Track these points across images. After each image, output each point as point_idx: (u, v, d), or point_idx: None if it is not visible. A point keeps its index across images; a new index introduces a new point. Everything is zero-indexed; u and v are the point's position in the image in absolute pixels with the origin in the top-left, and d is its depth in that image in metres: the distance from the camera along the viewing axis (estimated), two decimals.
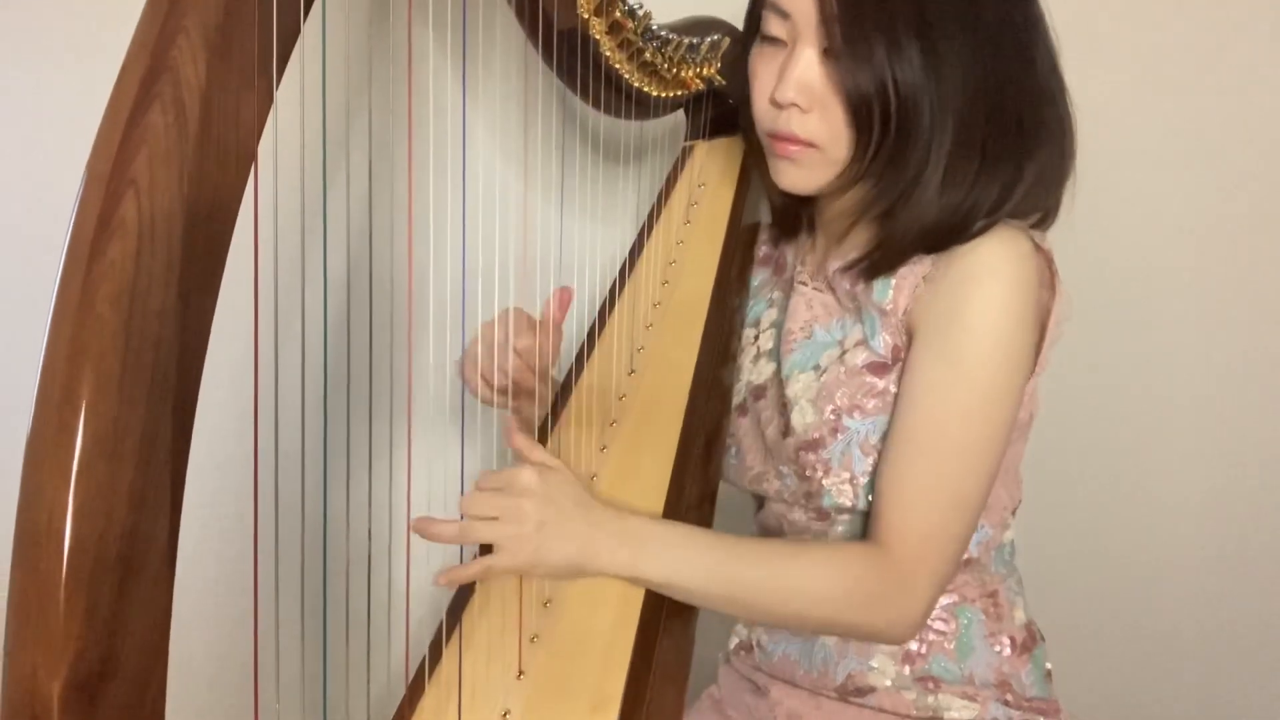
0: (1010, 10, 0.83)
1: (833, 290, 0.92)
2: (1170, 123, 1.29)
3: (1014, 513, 0.95)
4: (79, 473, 0.48)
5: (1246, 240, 1.31)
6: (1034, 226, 0.87)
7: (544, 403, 0.97)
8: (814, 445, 0.87)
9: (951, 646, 0.90)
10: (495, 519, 0.76)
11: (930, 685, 0.89)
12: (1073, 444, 1.34)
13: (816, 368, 0.90)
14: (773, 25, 0.85)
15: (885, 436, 0.85)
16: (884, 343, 0.86)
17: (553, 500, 0.78)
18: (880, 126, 0.81)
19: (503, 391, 0.93)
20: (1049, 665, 0.94)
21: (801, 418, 0.88)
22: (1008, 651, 0.91)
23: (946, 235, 0.82)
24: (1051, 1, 0.86)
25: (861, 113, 0.81)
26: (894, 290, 0.85)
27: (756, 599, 0.81)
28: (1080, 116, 0.87)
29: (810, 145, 0.85)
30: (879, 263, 0.85)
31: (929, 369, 0.82)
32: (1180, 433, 1.36)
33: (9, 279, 1.33)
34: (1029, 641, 0.93)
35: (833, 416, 0.87)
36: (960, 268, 0.82)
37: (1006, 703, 0.90)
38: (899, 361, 0.86)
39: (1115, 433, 1.37)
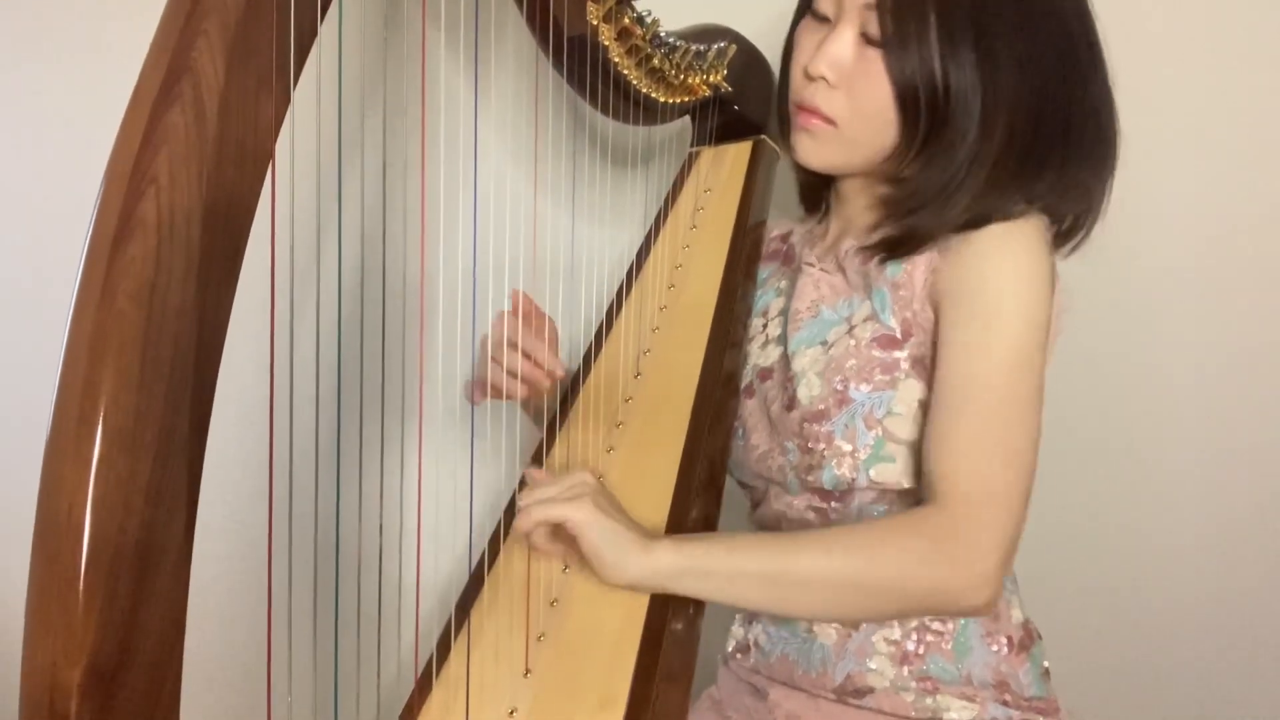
0: (1068, 22, 0.85)
1: (842, 270, 0.94)
2: (1171, 121, 1.30)
3: None
4: (99, 465, 0.49)
5: (1247, 239, 1.31)
6: (1064, 235, 0.89)
7: (550, 391, 0.99)
8: (819, 416, 0.88)
9: (949, 647, 0.90)
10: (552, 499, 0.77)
11: (929, 686, 0.90)
12: (1073, 442, 1.34)
13: (824, 343, 0.91)
14: (823, 2, 0.88)
15: (928, 406, 0.85)
16: (895, 316, 0.87)
17: (605, 491, 0.80)
18: (928, 115, 0.83)
19: (511, 395, 0.94)
20: (1047, 664, 0.95)
21: (808, 390, 0.90)
22: (1005, 651, 0.91)
23: (975, 223, 0.84)
24: None
25: (907, 99, 0.83)
26: (908, 265, 0.87)
27: (814, 576, 0.77)
28: None
29: (829, 122, 0.88)
30: (899, 249, 0.87)
31: (961, 334, 0.83)
32: (1180, 430, 1.37)
33: (8, 277, 1.34)
34: (1026, 640, 0.93)
35: (840, 387, 0.88)
36: (978, 241, 0.84)
37: (1005, 702, 0.90)
38: (910, 337, 0.87)
39: (1115, 430, 1.38)
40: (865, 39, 0.85)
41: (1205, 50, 1.29)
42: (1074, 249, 0.91)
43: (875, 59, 0.85)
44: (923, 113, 0.83)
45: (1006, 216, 0.84)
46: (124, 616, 0.50)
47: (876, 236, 0.90)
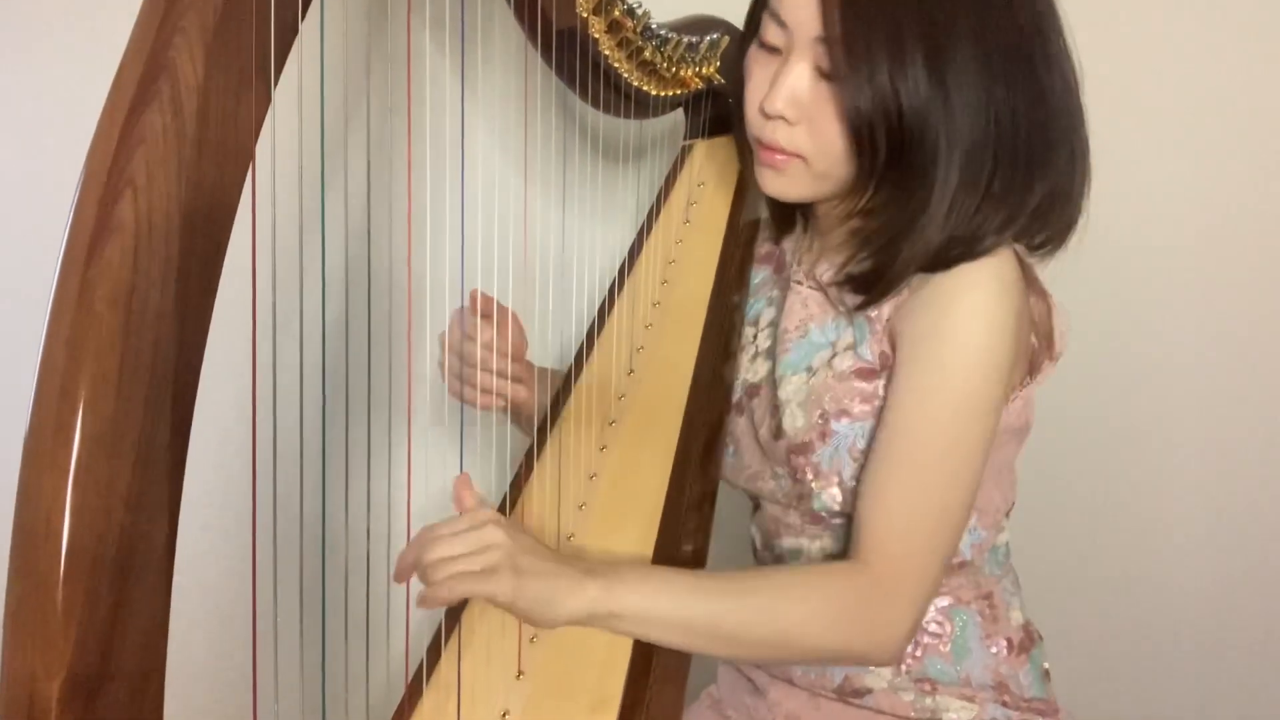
0: (1026, 43, 0.81)
1: (823, 290, 0.92)
2: (1171, 122, 1.29)
3: (1008, 515, 0.95)
4: (77, 472, 0.48)
5: (1246, 241, 1.31)
6: (1038, 248, 0.87)
7: (530, 391, 0.98)
8: (804, 449, 0.87)
9: (947, 649, 0.90)
10: (462, 556, 0.69)
11: (927, 687, 0.89)
12: (1073, 444, 1.34)
13: (809, 369, 0.90)
14: (770, 33, 0.85)
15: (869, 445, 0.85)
16: (871, 349, 0.86)
17: (518, 533, 0.73)
18: (886, 150, 0.80)
19: (487, 391, 0.93)
20: (1047, 665, 0.94)
21: (792, 421, 0.88)
22: (1004, 653, 0.91)
23: (945, 262, 0.82)
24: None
25: (863, 135, 0.80)
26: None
27: (737, 628, 0.78)
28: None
29: (795, 156, 0.85)
30: (875, 290, 0.85)
31: (910, 380, 0.82)
32: (1179, 431, 1.37)
33: (5, 278, 1.33)
34: (1026, 642, 0.93)
35: (820, 420, 0.87)
36: (941, 284, 0.82)
37: (1004, 703, 0.90)
38: (887, 368, 0.85)
39: (1115, 432, 1.38)
40: (820, 72, 0.82)
41: (1204, 51, 1.28)
42: (1053, 253, 0.89)
43: (831, 92, 0.81)
44: (880, 145, 0.80)
45: (976, 251, 0.81)
46: (104, 626, 0.49)
47: (848, 273, 0.88)
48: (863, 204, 0.86)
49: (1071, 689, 0.97)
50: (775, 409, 0.91)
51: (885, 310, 0.85)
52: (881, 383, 0.85)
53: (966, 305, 0.81)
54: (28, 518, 0.49)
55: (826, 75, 0.81)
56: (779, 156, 0.85)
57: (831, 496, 0.87)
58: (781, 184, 0.88)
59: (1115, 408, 1.37)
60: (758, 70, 0.87)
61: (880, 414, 0.84)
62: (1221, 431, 1.35)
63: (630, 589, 0.74)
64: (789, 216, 0.99)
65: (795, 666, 0.94)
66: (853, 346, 0.87)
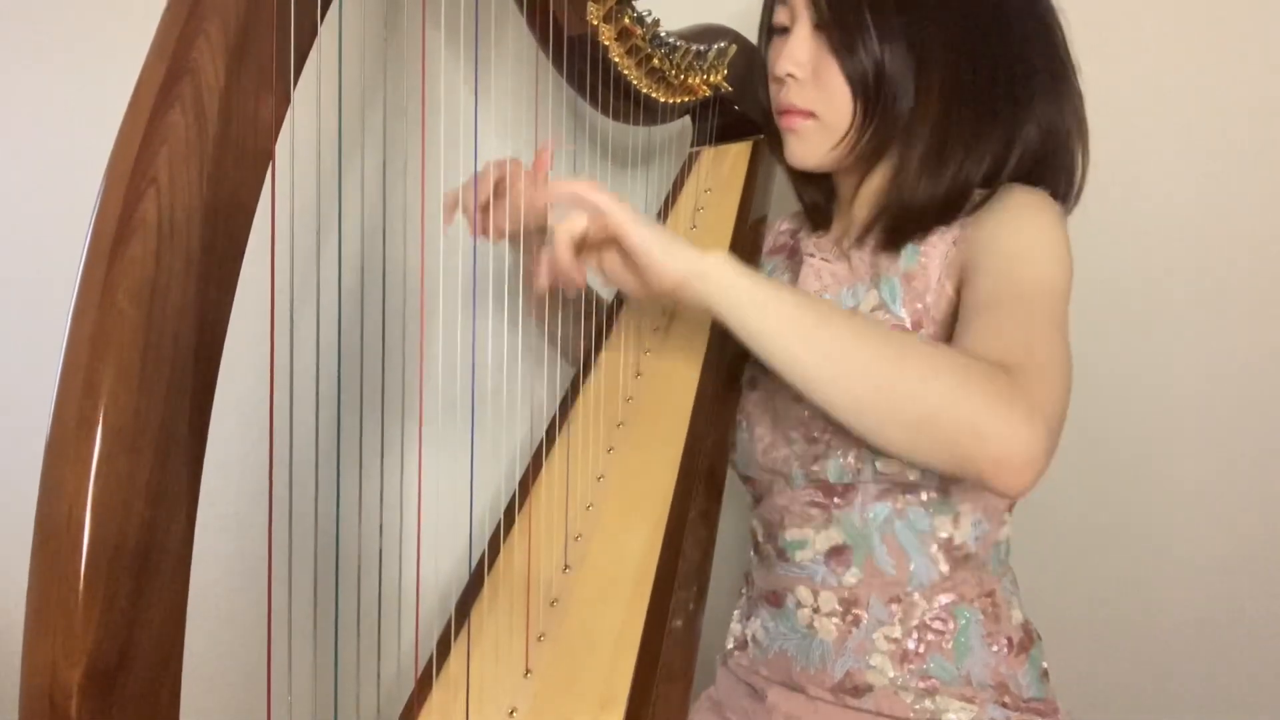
0: None
1: (846, 259, 0.95)
2: (1173, 120, 1.30)
3: (1010, 510, 0.96)
4: (99, 466, 0.49)
5: (1248, 240, 1.31)
6: (1062, 195, 0.92)
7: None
8: None
9: (950, 647, 0.90)
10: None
11: (928, 686, 0.90)
12: (1073, 442, 1.34)
13: None
14: (778, 14, 0.93)
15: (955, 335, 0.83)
16: (905, 307, 0.89)
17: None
18: (875, 85, 0.87)
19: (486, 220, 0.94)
20: (1046, 665, 0.95)
21: None
22: (1005, 652, 0.92)
23: (952, 204, 0.88)
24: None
25: (854, 75, 0.88)
26: (923, 258, 0.89)
27: (853, 350, 0.72)
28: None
29: (809, 114, 0.92)
30: (890, 229, 0.90)
31: (989, 265, 0.84)
32: (1179, 430, 1.37)
33: (9, 278, 1.35)
34: (1026, 641, 0.93)
35: None
36: (1006, 199, 0.87)
37: (1004, 704, 0.90)
38: (919, 328, 0.88)
39: (1113, 431, 1.38)
40: (816, 29, 0.90)
41: (1206, 51, 1.29)
42: (1076, 199, 0.94)
43: (827, 43, 0.90)
44: (871, 82, 0.87)
45: (978, 193, 0.87)
46: (124, 616, 0.50)
47: (877, 228, 0.92)
48: (866, 151, 0.91)
49: (1071, 689, 0.98)
50: None
51: (935, 261, 0.88)
52: None
53: (1024, 210, 0.86)
54: (50, 510, 0.49)
55: (819, 28, 0.90)
56: (796, 118, 0.92)
57: (847, 463, 0.88)
58: (801, 148, 0.94)
59: (1113, 407, 1.37)
60: (773, 52, 0.95)
61: (960, 313, 0.83)
62: (1222, 431, 1.35)
63: (754, 272, 0.75)
64: (822, 212, 1.03)
65: (795, 664, 0.94)
66: (882, 306, 0.90)
